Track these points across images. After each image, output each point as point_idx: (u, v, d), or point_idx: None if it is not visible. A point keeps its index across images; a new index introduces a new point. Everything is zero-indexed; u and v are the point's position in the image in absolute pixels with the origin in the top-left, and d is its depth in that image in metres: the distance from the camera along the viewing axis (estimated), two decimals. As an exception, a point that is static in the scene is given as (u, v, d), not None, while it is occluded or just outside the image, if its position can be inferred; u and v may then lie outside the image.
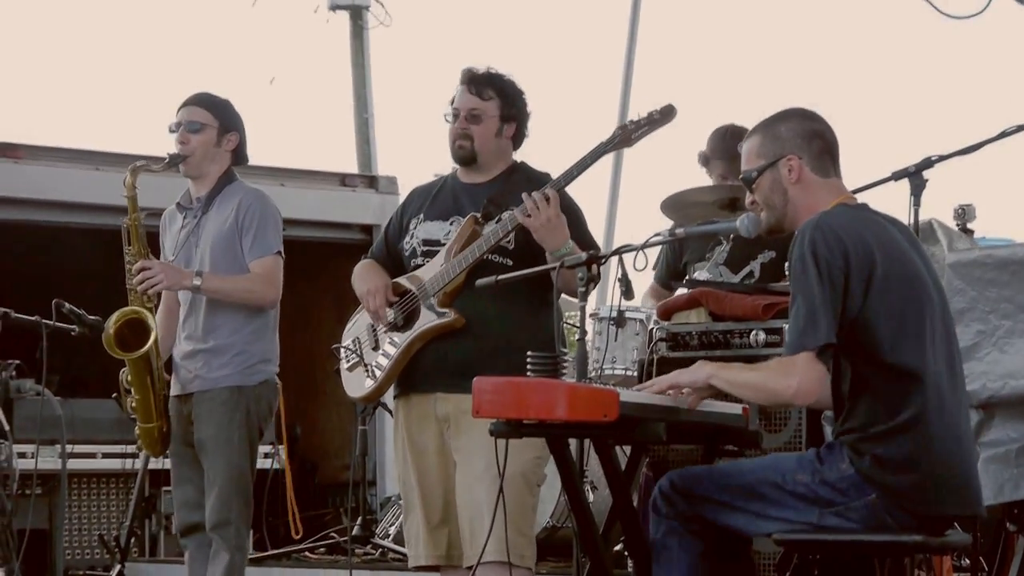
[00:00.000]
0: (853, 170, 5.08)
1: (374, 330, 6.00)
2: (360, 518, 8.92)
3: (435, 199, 6.03)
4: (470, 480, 5.72)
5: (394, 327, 5.93)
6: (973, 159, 5.85)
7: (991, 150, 5.86)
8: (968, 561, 5.98)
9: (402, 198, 6.46)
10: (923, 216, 5.94)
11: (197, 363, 6.55)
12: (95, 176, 9.28)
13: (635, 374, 6.61)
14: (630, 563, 5.25)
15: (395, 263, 6.06)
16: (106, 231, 6.86)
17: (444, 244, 5.90)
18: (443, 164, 6.13)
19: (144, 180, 6.64)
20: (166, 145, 6.67)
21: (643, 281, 7.42)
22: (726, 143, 7.08)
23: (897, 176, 5.80)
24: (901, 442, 4.63)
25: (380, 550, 8.69)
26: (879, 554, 4.75)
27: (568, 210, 5.74)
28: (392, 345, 5.92)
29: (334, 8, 16.16)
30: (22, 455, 7.12)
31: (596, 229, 6.19)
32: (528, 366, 4.91)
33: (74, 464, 8.60)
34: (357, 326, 6.11)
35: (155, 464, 8.49)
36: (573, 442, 5.22)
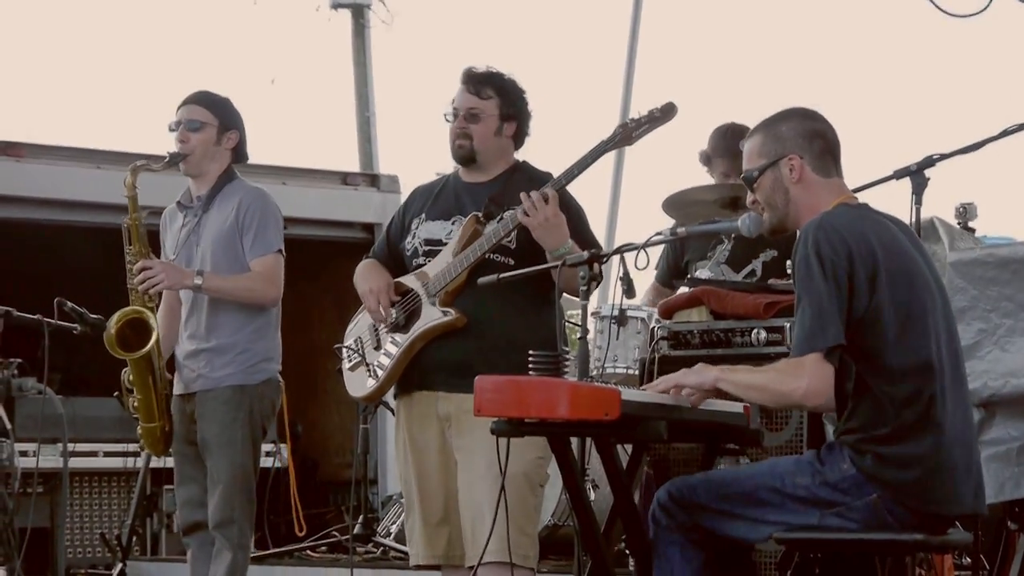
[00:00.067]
0: (855, 169, 5.09)
1: (376, 330, 6.00)
2: (361, 516, 8.93)
3: (437, 199, 6.03)
4: (472, 480, 5.72)
5: (396, 327, 5.93)
6: (975, 158, 5.85)
7: (993, 149, 5.87)
8: (969, 559, 5.98)
9: (404, 196, 6.47)
10: (924, 214, 5.94)
11: (200, 362, 6.55)
12: (97, 175, 9.28)
13: (636, 373, 6.61)
14: (631, 562, 5.25)
15: (397, 263, 6.07)
16: (108, 230, 6.86)
17: (446, 244, 5.90)
18: (445, 162, 6.15)
19: (145, 178, 6.64)
20: (168, 143, 6.68)
21: (645, 280, 7.43)
22: (727, 141, 7.08)
23: (899, 175, 5.80)
24: (904, 441, 4.63)
25: (381, 548, 8.69)
26: (880, 552, 4.75)
27: (569, 209, 5.75)
28: (394, 345, 5.93)
29: (336, 7, 16.18)
30: (24, 453, 7.14)
31: (597, 228, 6.20)
32: (530, 365, 4.91)
33: (76, 463, 8.63)
34: (359, 326, 6.11)
35: (157, 463, 8.51)
36: (575, 441, 5.22)
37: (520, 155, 6.05)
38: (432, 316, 5.84)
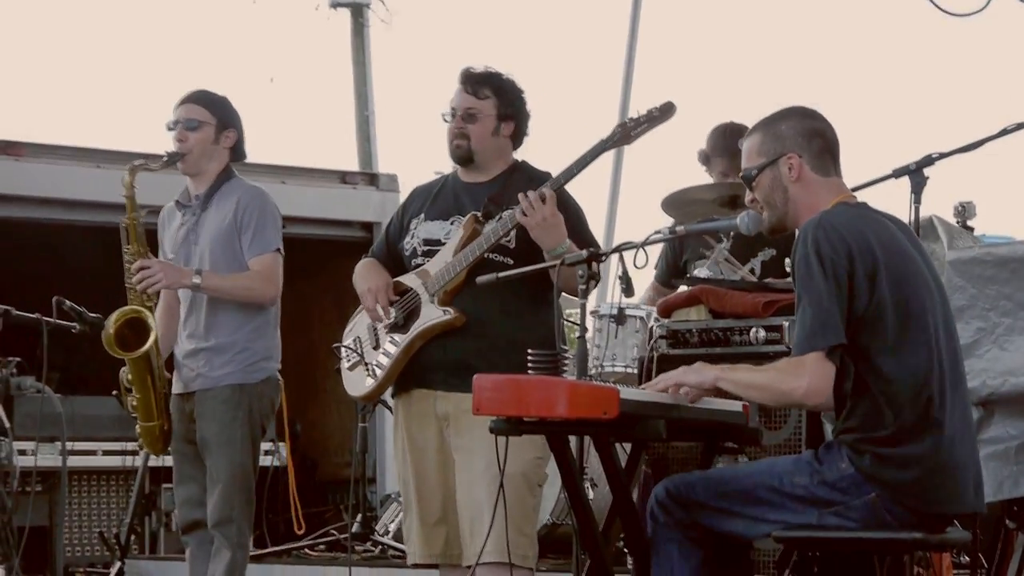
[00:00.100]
0: (854, 168, 5.09)
1: (375, 329, 6.00)
2: (360, 515, 8.93)
3: (436, 199, 6.03)
4: (470, 479, 5.72)
5: (395, 326, 5.93)
6: (974, 157, 5.85)
7: (992, 148, 5.87)
8: (968, 558, 5.99)
9: (403, 195, 6.47)
10: (923, 213, 5.94)
11: (199, 361, 6.55)
12: (96, 174, 9.28)
13: (635, 371, 6.61)
14: (630, 560, 5.25)
15: (396, 263, 6.06)
16: (107, 229, 6.86)
17: (445, 243, 5.90)
18: (444, 161, 6.14)
19: (143, 177, 6.64)
20: (168, 143, 6.68)
21: (643, 279, 7.43)
22: (726, 140, 7.08)
23: (898, 174, 5.80)
24: (904, 442, 4.62)
25: (380, 547, 8.70)
26: (879, 551, 4.75)
27: (567, 209, 5.75)
28: (393, 344, 5.93)
29: (335, 6, 16.18)
30: (22, 452, 7.13)
31: (596, 227, 6.20)
32: (528, 364, 4.92)
33: (74, 461, 8.62)
34: (358, 325, 6.11)
35: (155, 461, 8.51)
36: (573, 439, 5.22)
37: (519, 155, 6.05)
38: (431, 315, 5.84)
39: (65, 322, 6.79)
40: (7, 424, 6.66)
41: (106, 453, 9.49)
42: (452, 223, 5.93)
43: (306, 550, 8.94)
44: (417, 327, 5.86)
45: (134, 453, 9.18)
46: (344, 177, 10.58)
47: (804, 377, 4.62)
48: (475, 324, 5.79)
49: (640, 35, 12.48)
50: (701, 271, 6.87)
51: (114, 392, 6.66)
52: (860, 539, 4.69)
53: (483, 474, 5.61)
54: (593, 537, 4.98)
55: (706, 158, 7.25)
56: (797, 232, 4.79)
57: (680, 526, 4.82)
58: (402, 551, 7.10)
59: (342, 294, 7.01)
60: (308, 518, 8.44)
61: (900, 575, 4.82)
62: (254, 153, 6.87)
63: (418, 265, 5.95)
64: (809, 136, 4.89)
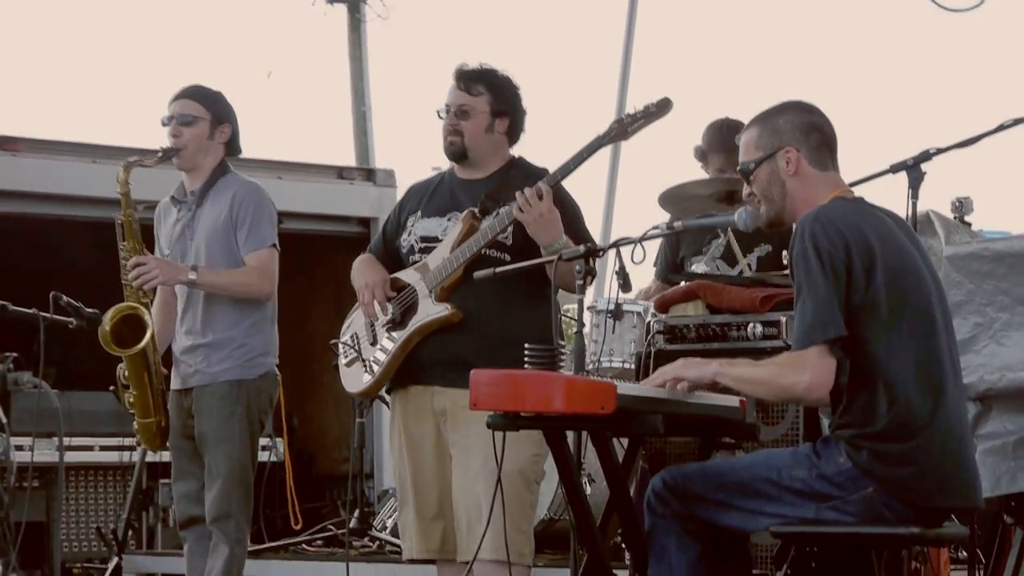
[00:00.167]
0: (851, 163, 5.08)
1: (372, 325, 5.99)
2: (357, 510, 8.92)
3: (433, 196, 6.03)
4: (467, 476, 5.71)
5: (392, 322, 5.92)
6: (971, 152, 5.85)
7: (989, 143, 5.86)
8: (965, 553, 5.99)
9: (400, 191, 6.48)
10: (921, 208, 5.94)
11: (197, 357, 6.55)
12: (93, 169, 9.26)
13: (632, 367, 6.61)
14: (627, 555, 5.25)
15: (393, 260, 6.06)
16: (104, 224, 6.85)
17: (442, 240, 5.89)
18: (441, 157, 6.13)
19: (139, 173, 6.64)
20: (164, 138, 6.67)
21: (641, 274, 7.43)
22: (723, 136, 7.07)
23: (895, 169, 5.80)
24: (900, 436, 4.62)
25: (377, 542, 8.69)
26: (876, 546, 4.75)
27: (564, 205, 5.74)
28: (390, 340, 5.92)
29: (331, 1, 16.13)
30: (19, 448, 7.14)
31: (593, 223, 6.21)
32: (526, 359, 4.91)
33: (71, 456, 8.60)
34: (355, 321, 6.10)
35: (153, 457, 8.49)
36: (570, 434, 5.22)
37: (516, 150, 6.04)
38: (428, 311, 5.84)
39: (62, 317, 6.79)
40: (4, 419, 6.66)
41: (103, 448, 9.47)
42: (449, 220, 5.93)
43: (303, 545, 8.93)
44: (414, 323, 5.86)
45: (131, 448, 9.16)
46: (341, 172, 10.56)
47: (806, 371, 4.61)
48: (472, 320, 5.79)
49: (637, 31, 12.50)
50: (698, 267, 6.88)
51: (111, 387, 6.65)
52: (858, 534, 4.68)
53: (480, 470, 5.61)
54: (590, 532, 4.98)
55: (703, 154, 7.25)
56: (794, 227, 4.78)
57: (677, 518, 4.81)
58: (399, 546, 7.10)
59: (339, 290, 7.02)
60: (305, 513, 8.43)
61: (898, 570, 4.81)
62: (250, 148, 6.87)
63: (415, 262, 5.95)
64: (807, 130, 4.88)
